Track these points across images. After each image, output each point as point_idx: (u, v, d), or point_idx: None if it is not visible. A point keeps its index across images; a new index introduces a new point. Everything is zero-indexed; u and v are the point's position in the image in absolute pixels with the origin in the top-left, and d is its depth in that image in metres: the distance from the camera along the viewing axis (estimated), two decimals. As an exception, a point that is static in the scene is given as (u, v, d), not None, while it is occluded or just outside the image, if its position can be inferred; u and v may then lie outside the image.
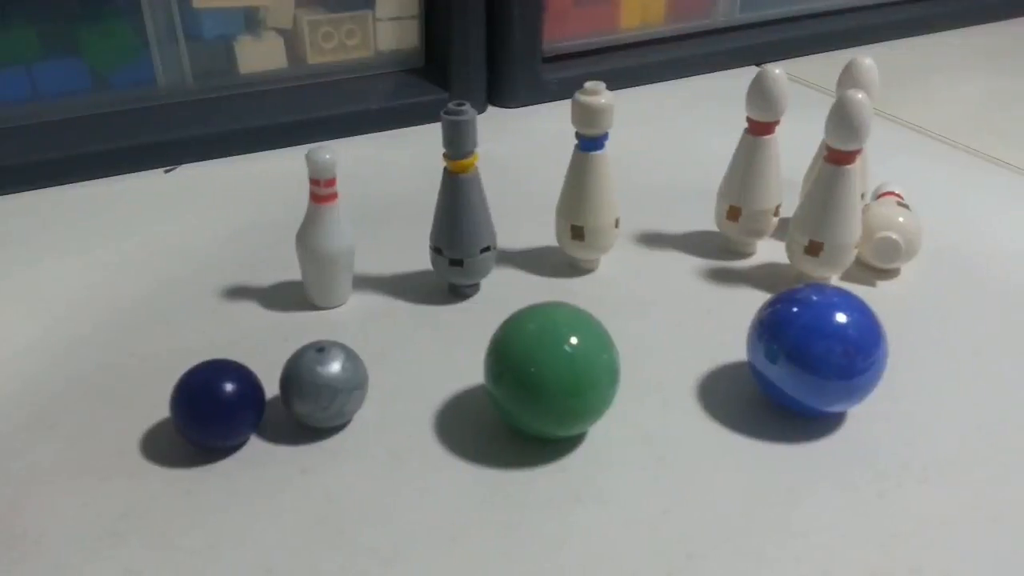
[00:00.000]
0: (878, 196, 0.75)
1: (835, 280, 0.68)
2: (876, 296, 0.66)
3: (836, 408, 0.53)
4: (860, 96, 0.59)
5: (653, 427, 0.53)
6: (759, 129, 0.67)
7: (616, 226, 0.68)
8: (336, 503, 0.48)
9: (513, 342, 0.49)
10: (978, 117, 1.00)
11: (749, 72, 1.16)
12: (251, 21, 0.91)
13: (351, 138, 0.94)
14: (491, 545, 0.45)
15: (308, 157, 0.60)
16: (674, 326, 0.63)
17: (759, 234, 0.70)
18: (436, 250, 0.64)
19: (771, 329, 0.52)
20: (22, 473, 0.50)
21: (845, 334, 0.50)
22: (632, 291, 0.67)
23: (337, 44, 0.96)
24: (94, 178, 0.84)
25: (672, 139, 0.95)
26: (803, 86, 1.10)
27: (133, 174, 0.86)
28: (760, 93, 0.65)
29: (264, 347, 0.60)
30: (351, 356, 0.52)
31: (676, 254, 0.72)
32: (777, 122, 0.67)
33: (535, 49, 1.00)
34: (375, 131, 0.96)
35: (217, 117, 0.90)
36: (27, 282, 0.68)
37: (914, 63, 1.17)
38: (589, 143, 0.64)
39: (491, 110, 1.03)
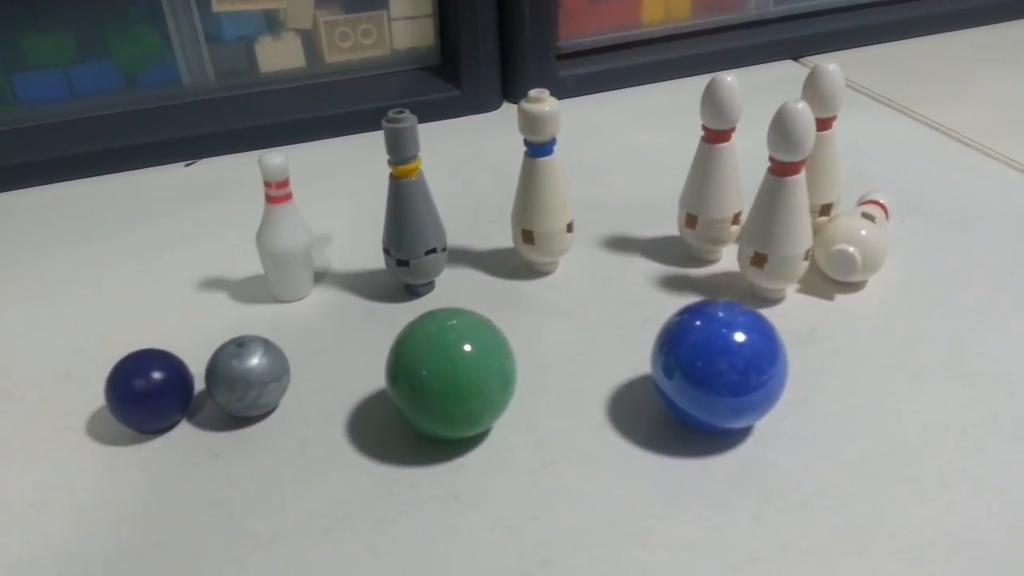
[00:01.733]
0: (860, 204, 0.72)
1: (792, 291, 0.67)
2: (828, 309, 0.65)
3: (730, 425, 0.52)
4: (800, 107, 0.57)
5: (552, 433, 0.55)
6: (713, 137, 0.66)
7: (569, 231, 0.69)
8: (235, 488, 0.52)
9: (408, 346, 0.52)
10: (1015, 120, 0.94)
11: (785, 67, 1.13)
12: (271, 22, 0.96)
13: (364, 134, 0.98)
14: (360, 538, 0.48)
15: (260, 161, 0.64)
16: (608, 333, 0.63)
17: (718, 242, 0.69)
18: (386, 251, 0.67)
19: (669, 343, 0.52)
20: (-17, 442, 0.56)
21: (739, 352, 0.50)
22: (579, 295, 0.68)
23: (353, 43, 1.00)
24: (122, 171, 0.92)
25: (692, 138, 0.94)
26: (835, 82, 1.05)
27: (157, 167, 0.93)
28: (711, 101, 0.64)
29: (222, 337, 0.65)
30: (270, 351, 0.56)
31: (640, 260, 0.72)
32: (732, 129, 0.65)
33: (548, 47, 1.01)
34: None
35: (238, 114, 0.96)
36: (52, 263, 0.76)
37: (959, 58, 1.10)
38: (536, 149, 0.65)
39: (505, 107, 1.05)
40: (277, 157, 0.64)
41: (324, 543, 0.48)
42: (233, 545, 0.48)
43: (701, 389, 0.50)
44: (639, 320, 0.65)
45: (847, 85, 1.04)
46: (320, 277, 0.72)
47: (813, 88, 0.65)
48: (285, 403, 0.58)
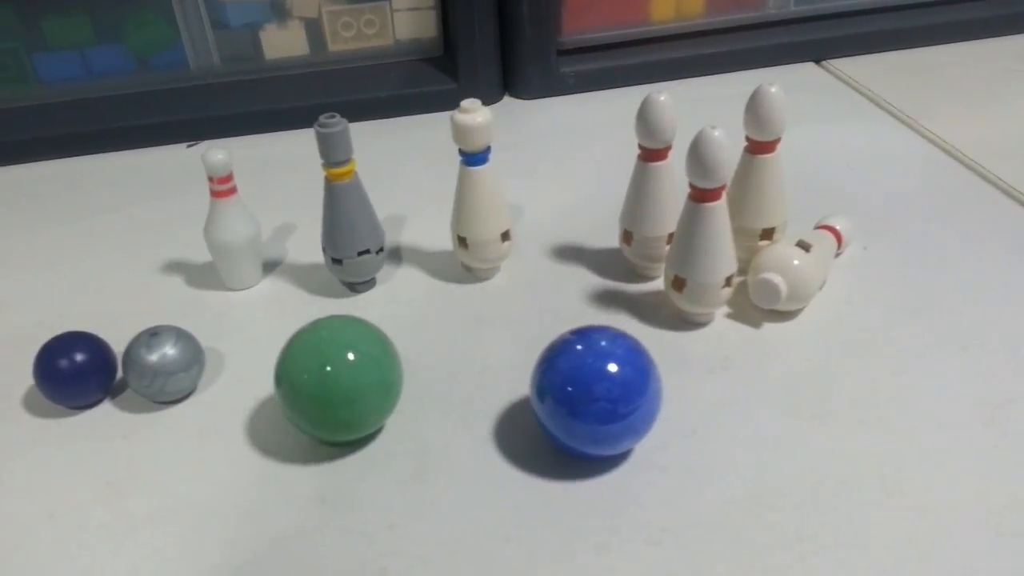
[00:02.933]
0: (816, 228, 0.70)
1: (722, 313, 0.65)
2: (750, 338, 0.63)
3: (594, 452, 0.52)
4: (716, 134, 0.56)
5: (434, 445, 0.56)
6: (648, 156, 0.65)
7: (504, 239, 0.69)
8: (131, 469, 0.55)
9: (292, 350, 0.54)
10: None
11: (806, 70, 1.09)
12: (277, 10, 0.99)
13: (362, 123, 1.01)
14: (221, 527, 0.51)
15: (203, 158, 0.67)
16: (519, 346, 0.64)
17: (653, 259, 0.68)
18: (323, 248, 0.69)
19: (542, 367, 0.52)
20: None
21: (608, 381, 0.50)
22: (506, 305, 0.69)
23: (357, 33, 1.02)
24: (129, 148, 0.97)
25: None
26: (851, 89, 1.01)
27: (161, 147, 0.98)
28: (644, 120, 0.63)
29: (166, 319, 0.69)
30: (182, 341, 0.59)
31: (582, 271, 0.72)
32: (668, 148, 0.64)
33: (548, 42, 1.00)
34: (385, 117, 1.01)
35: (241, 98, 1.00)
36: (42, 237, 0.82)
37: (987, 69, 1.03)
38: (470, 158, 0.66)
39: (506, 101, 1.05)
40: (220, 154, 0.67)
41: (189, 528, 0.51)
42: (115, 520, 0.52)
43: (567, 414, 0.50)
44: (552, 335, 0.65)
45: (860, 91, 1.00)
46: (273, 267, 0.75)
47: (753, 110, 0.63)
48: (203, 390, 0.62)
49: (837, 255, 0.71)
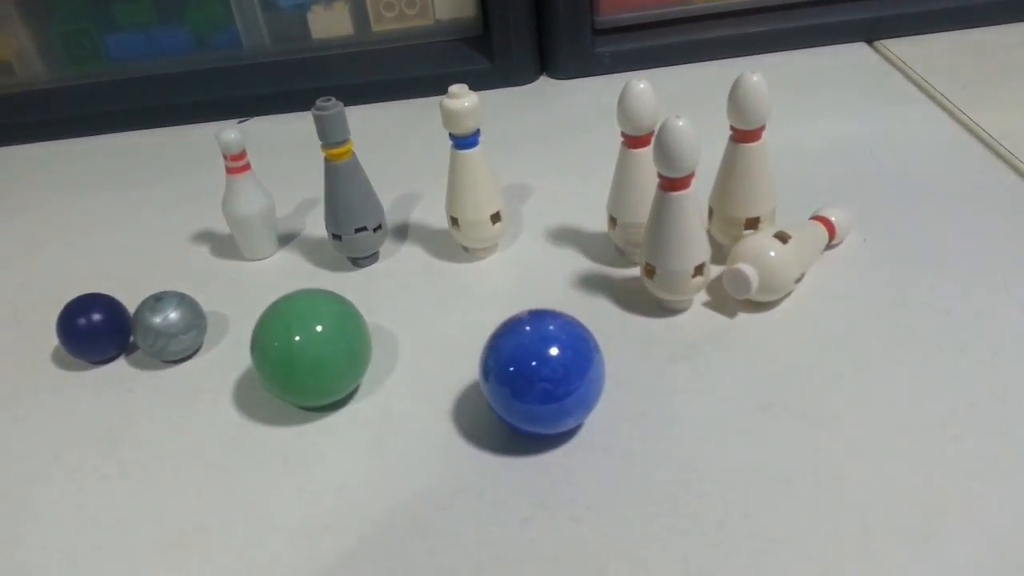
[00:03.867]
0: (811, 218, 0.69)
1: (700, 300, 0.66)
2: (720, 328, 0.63)
3: (535, 430, 0.54)
4: (680, 123, 0.56)
5: (397, 414, 0.59)
6: (630, 143, 0.65)
7: (495, 221, 0.71)
8: (130, 421, 0.62)
9: (265, 319, 0.58)
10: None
11: (857, 51, 1.05)
12: (325, -8, 1.04)
13: (397, 102, 1.05)
14: (194, 478, 0.56)
15: (217, 137, 0.72)
16: (491, 325, 0.66)
17: (636, 244, 0.69)
18: (326, 224, 0.73)
19: (488, 345, 0.55)
20: (-19, 353, 0.71)
21: (547, 363, 0.52)
22: (493, 284, 0.71)
23: (398, 13, 1.05)
24: (185, 123, 1.05)
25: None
26: (897, 71, 0.97)
27: (214, 122, 1.04)
28: (624, 108, 0.64)
29: (185, 285, 0.75)
30: (184, 306, 0.65)
31: (573, 253, 0.74)
32: (650, 135, 0.65)
33: (583, 22, 1.01)
34: (422, 96, 1.04)
35: (289, 77, 1.05)
36: (107, 202, 0.90)
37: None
38: (460, 141, 0.68)
39: (542, 80, 1.06)
40: (232, 133, 0.72)
41: (165, 477, 0.57)
42: (104, 467, 0.58)
43: (508, 394, 0.53)
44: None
45: (907, 75, 0.96)
46: (290, 239, 0.80)
47: (734, 99, 0.62)
48: (205, 352, 0.68)
49: (831, 246, 0.69)
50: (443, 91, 1.04)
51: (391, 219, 0.81)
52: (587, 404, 0.54)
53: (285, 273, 0.76)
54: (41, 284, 0.78)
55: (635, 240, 0.68)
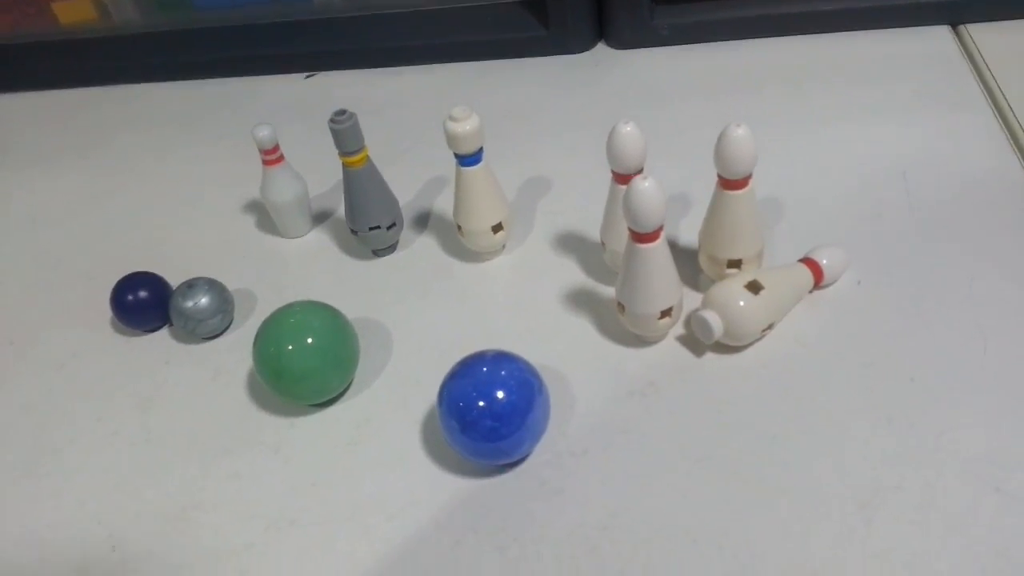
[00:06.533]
0: (801, 259, 0.69)
1: (673, 333, 0.68)
2: (684, 366, 0.66)
3: (476, 461, 0.60)
4: (646, 184, 0.58)
5: (376, 417, 0.67)
6: (618, 179, 0.67)
7: (496, 231, 0.75)
8: (162, 392, 0.72)
9: (263, 328, 0.66)
10: None
11: (938, 36, 0.97)
12: (390, -51, 1.05)
13: (452, 64, 1.07)
14: (193, 455, 0.66)
15: (253, 134, 0.78)
16: (481, 333, 0.71)
17: (624, 269, 0.71)
18: (345, 218, 0.79)
19: (449, 373, 0.60)
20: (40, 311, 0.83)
21: (489, 408, 0.57)
22: (490, 289, 0.76)
23: (460, -27, 1.06)
24: (259, 74, 1.11)
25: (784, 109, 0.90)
26: (970, 68, 0.90)
27: (284, 75, 1.11)
28: (611, 150, 0.65)
29: (225, 258, 0.84)
30: (213, 292, 0.74)
31: (571, 264, 0.77)
32: (640, 172, 0.66)
33: (641, -8, 0.98)
34: (477, 60, 1.06)
35: (354, 35, 1.09)
36: (173, 160, 1.00)
37: None
38: (464, 159, 0.72)
39: (598, 49, 1.05)
40: (265, 130, 0.78)
41: (173, 450, 0.67)
42: (135, 434, 0.69)
43: (455, 427, 0.59)
44: (521, 330, 0.71)
45: (981, 72, 0.89)
46: (326, 217, 0.87)
47: (719, 150, 0.62)
48: (234, 330, 0.77)
49: (821, 287, 0.70)
50: (498, 56, 1.07)
51: (418, 201, 0.87)
52: (524, 446, 0.59)
53: (314, 256, 0.83)
54: (108, 241, 0.89)
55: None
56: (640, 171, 0.66)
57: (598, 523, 0.58)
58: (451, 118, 0.69)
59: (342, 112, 0.72)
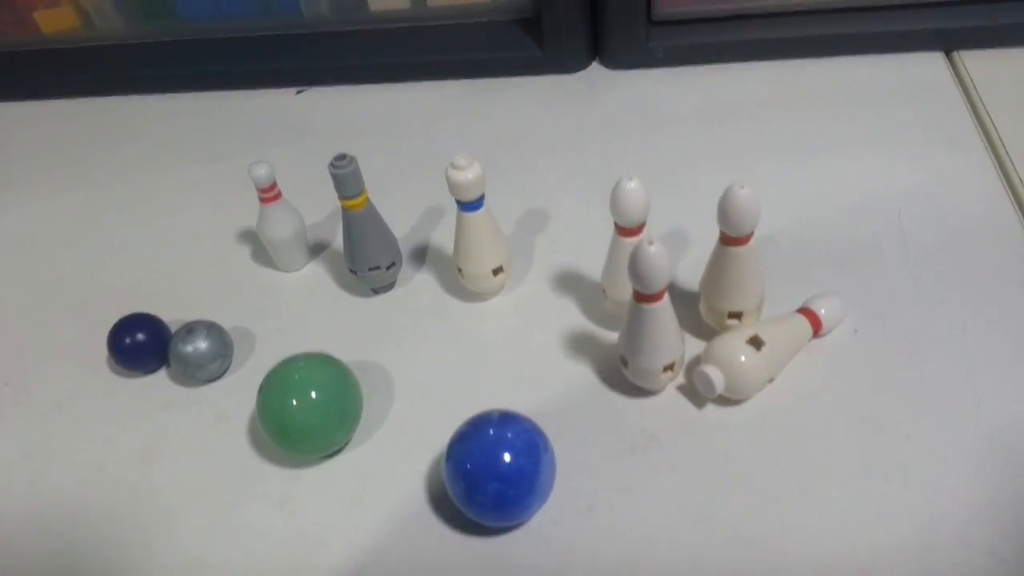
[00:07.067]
0: (798, 310, 0.70)
1: (674, 384, 0.69)
2: (685, 418, 0.67)
3: (480, 521, 0.61)
4: (652, 249, 0.58)
5: (377, 471, 0.67)
6: (623, 232, 0.67)
7: (496, 274, 0.75)
8: (164, 439, 0.72)
9: (267, 381, 0.66)
10: None
11: (931, 62, 0.98)
12: (382, -36, 1.03)
13: (445, 81, 1.06)
14: (199, 508, 0.66)
15: (249, 172, 0.77)
16: (481, 378, 0.72)
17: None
18: (344, 258, 0.79)
19: (458, 436, 0.61)
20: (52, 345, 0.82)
21: (499, 477, 0.58)
22: (489, 330, 0.76)
23: (454, -10, 1.04)
24: (246, 88, 1.09)
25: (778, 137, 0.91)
26: (962, 98, 0.91)
27: (274, 90, 1.09)
28: (614, 203, 0.65)
29: (220, 291, 0.83)
30: (212, 335, 0.73)
31: (571, 307, 0.77)
32: (643, 225, 0.66)
33: (635, 12, 0.97)
34: (471, 77, 1.05)
35: (346, 50, 1.07)
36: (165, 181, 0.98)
37: None
38: (464, 205, 0.71)
39: (593, 68, 1.05)
40: (263, 168, 0.77)
41: (180, 504, 0.67)
42: (140, 484, 0.69)
43: (460, 483, 0.60)
44: (521, 376, 0.72)
45: (973, 103, 0.90)
46: (322, 250, 0.87)
47: (723, 209, 0.63)
48: (232, 373, 0.76)
49: (818, 336, 0.71)
50: (492, 74, 1.06)
51: (415, 234, 0.86)
52: (531, 508, 0.60)
53: (311, 291, 0.83)
54: (99, 272, 0.88)
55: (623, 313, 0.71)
56: (643, 224, 0.66)
57: (603, 584, 0.59)
58: (453, 166, 0.69)
59: (342, 157, 0.71)
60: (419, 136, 1.00)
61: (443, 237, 0.86)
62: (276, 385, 0.65)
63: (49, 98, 1.16)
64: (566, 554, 0.61)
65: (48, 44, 1.12)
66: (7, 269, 0.92)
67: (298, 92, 1.08)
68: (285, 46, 1.08)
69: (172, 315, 0.79)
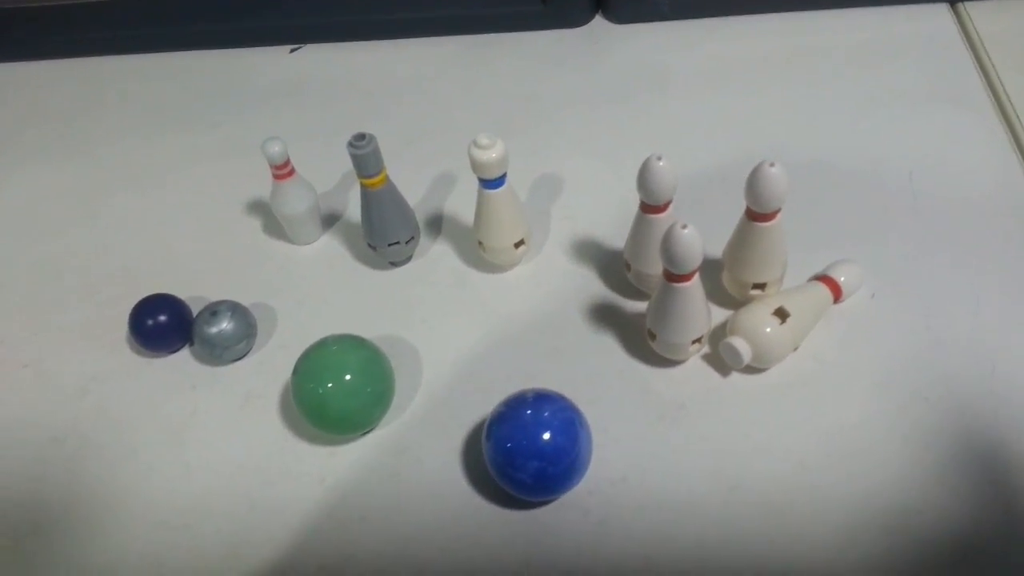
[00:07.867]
0: (814, 277, 0.72)
1: (698, 357, 0.71)
2: (712, 387, 0.69)
3: (526, 498, 0.63)
4: (686, 232, 0.58)
5: (414, 446, 0.68)
6: (648, 209, 0.67)
7: (519, 246, 0.76)
8: (193, 419, 0.72)
9: (301, 365, 0.66)
10: None
11: (937, 14, 0.97)
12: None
13: (446, 37, 1.04)
14: (239, 487, 0.67)
15: (263, 149, 0.76)
16: (508, 352, 0.73)
17: (650, 287, 0.73)
18: (363, 233, 0.79)
19: (497, 415, 0.62)
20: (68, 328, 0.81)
21: (541, 449, 0.60)
22: (511, 300, 0.77)
23: (452, -58, 1.01)
24: (240, 47, 1.06)
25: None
26: (968, 52, 0.91)
27: (267, 47, 1.06)
28: (642, 182, 0.65)
29: (235, 266, 0.83)
30: (237, 316, 0.73)
31: (592, 276, 0.78)
32: (669, 203, 0.67)
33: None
34: (471, 33, 1.03)
35: (341, 6, 1.04)
36: (166, 149, 0.96)
37: None
38: (487, 183, 0.71)
39: (596, 22, 1.03)
40: (276, 146, 0.76)
41: (219, 486, 0.68)
42: (172, 467, 0.69)
43: (503, 464, 0.61)
44: (548, 348, 0.73)
45: (979, 56, 0.90)
46: (334, 220, 0.86)
47: (751, 186, 0.63)
48: (257, 351, 0.76)
49: (838, 303, 0.72)
50: (493, 30, 1.04)
51: (428, 203, 0.86)
52: (570, 483, 0.62)
53: (327, 264, 0.83)
54: (109, 250, 0.87)
55: (650, 284, 0.73)
56: (670, 201, 0.67)
57: (641, 554, 0.61)
58: (477, 145, 0.68)
59: (361, 136, 0.70)
60: (420, 95, 0.98)
61: (457, 206, 0.86)
62: (311, 370, 0.66)
63: (37, 59, 1.11)
64: (603, 524, 0.63)
65: (35, 2, 1.06)
66: (5, 244, 0.90)
67: (292, 51, 1.05)
68: (277, 1, 1.05)
69: (188, 292, 0.79)
